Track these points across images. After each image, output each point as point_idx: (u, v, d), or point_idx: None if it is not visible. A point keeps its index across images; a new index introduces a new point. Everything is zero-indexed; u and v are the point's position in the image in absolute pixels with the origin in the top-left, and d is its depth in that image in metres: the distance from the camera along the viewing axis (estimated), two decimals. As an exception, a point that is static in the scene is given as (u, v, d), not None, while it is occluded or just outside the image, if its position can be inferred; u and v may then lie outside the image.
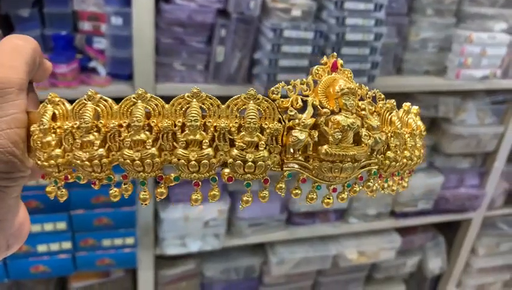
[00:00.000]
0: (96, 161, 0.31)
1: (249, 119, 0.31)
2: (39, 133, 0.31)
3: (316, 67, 0.34)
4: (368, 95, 0.34)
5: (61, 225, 1.23)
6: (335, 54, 0.34)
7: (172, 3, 1.10)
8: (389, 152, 0.35)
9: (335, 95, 0.33)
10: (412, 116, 0.37)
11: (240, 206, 0.33)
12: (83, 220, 1.24)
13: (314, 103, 0.33)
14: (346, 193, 0.35)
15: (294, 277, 1.65)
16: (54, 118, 0.32)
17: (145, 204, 0.32)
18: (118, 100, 0.31)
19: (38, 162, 0.32)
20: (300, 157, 0.32)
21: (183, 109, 0.31)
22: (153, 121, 0.31)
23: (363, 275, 1.78)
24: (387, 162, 0.35)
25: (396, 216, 1.64)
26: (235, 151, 0.31)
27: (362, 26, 1.19)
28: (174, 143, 0.31)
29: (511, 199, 1.82)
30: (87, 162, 0.31)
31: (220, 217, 1.38)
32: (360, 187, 0.35)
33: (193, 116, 0.30)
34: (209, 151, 0.31)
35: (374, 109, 0.34)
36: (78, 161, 0.31)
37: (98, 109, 0.31)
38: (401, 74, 1.44)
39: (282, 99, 0.32)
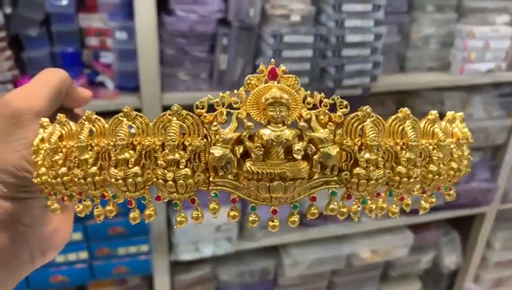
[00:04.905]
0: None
1: (169, 137, 0.29)
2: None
3: (248, 76, 0.30)
4: (323, 103, 0.30)
5: (78, 235, 1.27)
6: (273, 60, 0.31)
7: (174, 15, 1.14)
8: (400, 167, 0.30)
9: (263, 106, 0.29)
10: (458, 123, 0.34)
11: (175, 227, 0.31)
12: (98, 229, 1.28)
13: (240, 116, 0.30)
14: (295, 217, 0.31)
15: (309, 277, 1.66)
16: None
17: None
18: None
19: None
20: (229, 176, 0.30)
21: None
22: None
23: (378, 274, 1.78)
24: (397, 178, 0.30)
25: (407, 213, 1.64)
26: (158, 170, 0.29)
27: (361, 27, 1.20)
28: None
29: (525, 191, 1.80)
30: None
31: (231, 222, 1.40)
32: (321, 210, 0.31)
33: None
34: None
35: (335, 119, 0.30)
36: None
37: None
38: (404, 71, 1.45)
39: (207, 114, 0.30)
